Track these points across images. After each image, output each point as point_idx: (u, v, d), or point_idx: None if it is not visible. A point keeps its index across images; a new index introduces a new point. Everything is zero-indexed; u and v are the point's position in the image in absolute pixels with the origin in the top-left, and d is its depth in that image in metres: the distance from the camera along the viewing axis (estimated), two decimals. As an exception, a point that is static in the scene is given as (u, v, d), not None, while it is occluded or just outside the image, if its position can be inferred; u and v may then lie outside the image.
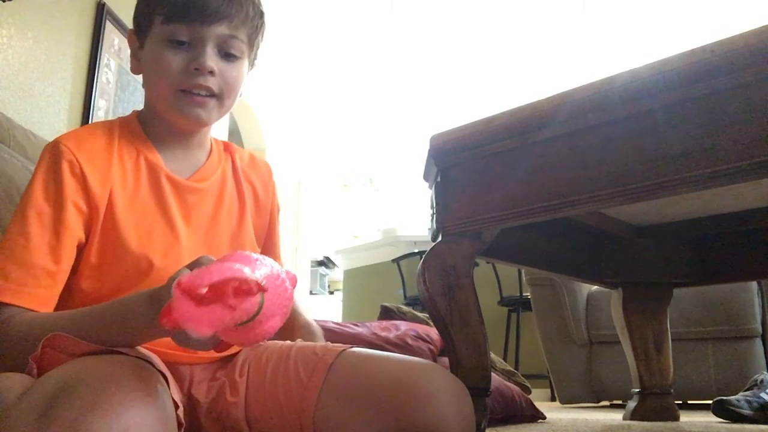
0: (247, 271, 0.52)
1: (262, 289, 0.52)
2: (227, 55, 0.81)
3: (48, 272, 0.72)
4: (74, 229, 0.75)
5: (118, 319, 0.66)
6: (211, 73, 0.79)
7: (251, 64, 0.90)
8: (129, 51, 0.88)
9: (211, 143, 0.93)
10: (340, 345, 0.83)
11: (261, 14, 0.86)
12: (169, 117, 0.84)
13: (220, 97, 0.82)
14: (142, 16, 0.82)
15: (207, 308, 0.50)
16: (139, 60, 0.84)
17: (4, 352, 0.69)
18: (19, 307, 0.70)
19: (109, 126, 0.84)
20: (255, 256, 0.58)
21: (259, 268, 0.55)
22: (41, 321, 0.69)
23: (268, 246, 1.00)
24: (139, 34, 0.84)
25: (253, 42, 0.86)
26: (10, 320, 0.69)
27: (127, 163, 0.82)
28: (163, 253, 0.80)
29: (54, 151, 0.76)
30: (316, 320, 1.73)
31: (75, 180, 0.75)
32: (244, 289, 0.51)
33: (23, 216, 0.73)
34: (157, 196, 0.82)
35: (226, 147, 0.96)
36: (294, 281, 0.62)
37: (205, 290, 0.49)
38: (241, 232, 0.91)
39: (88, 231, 0.77)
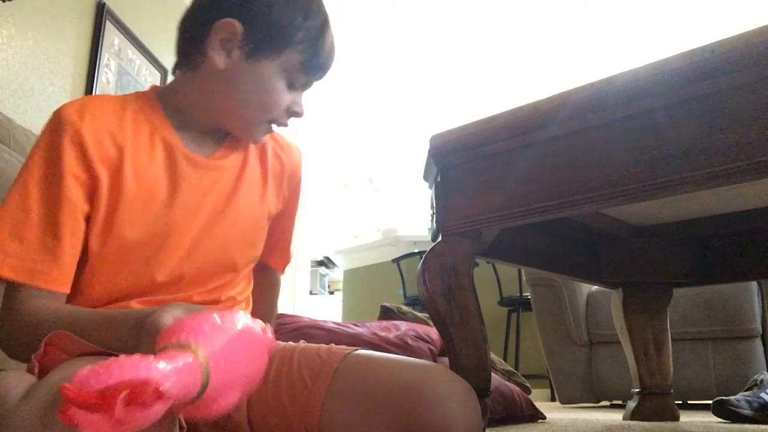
0: (158, 370, 0.44)
1: (160, 396, 0.43)
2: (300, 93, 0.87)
3: (46, 247, 0.71)
4: (75, 201, 0.73)
5: (108, 337, 0.64)
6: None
7: None
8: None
9: None
10: (344, 347, 0.82)
11: None
12: (228, 124, 0.85)
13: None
14: (275, 33, 0.78)
15: (96, 415, 0.42)
16: (230, 57, 0.79)
17: (11, 341, 0.69)
18: (22, 284, 0.69)
19: (121, 99, 0.82)
20: (217, 320, 0.52)
21: (207, 344, 0.49)
22: (47, 315, 0.68)
23: (280, 234, 0.98)
24: (250, 39, 0.78)
25: None
26: (20, 308, 0.69)
27: (141, 139, 0.79)
28: (168, 234, 0.78)
29: (55, 119, 0.75)
30: (316, 320, 1.73)
31: (74, 149, 0.73)
32: (140, 399, 0.42)
33: (23, 187, 0.72)
34: (171, 176, 0.80)
35: None
36: (270, 345, 0.57)
37: (94, 394, 0.41)
38: (261, 210, 0.90)
39: (92, 201, 0.75)
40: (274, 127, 0.88)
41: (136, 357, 0.44)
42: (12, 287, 0.71)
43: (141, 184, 0.78)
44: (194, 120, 0.84)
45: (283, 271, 1.03)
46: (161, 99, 0.84)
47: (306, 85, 0.86)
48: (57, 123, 0.74)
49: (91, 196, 0.75)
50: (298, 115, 0.85)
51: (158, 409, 0.44)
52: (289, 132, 0.93)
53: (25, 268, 0.70)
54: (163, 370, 0.44)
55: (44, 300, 0.70)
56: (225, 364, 0.50)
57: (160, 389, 0.43)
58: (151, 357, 0.45)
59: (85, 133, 0.74)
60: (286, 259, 1.02)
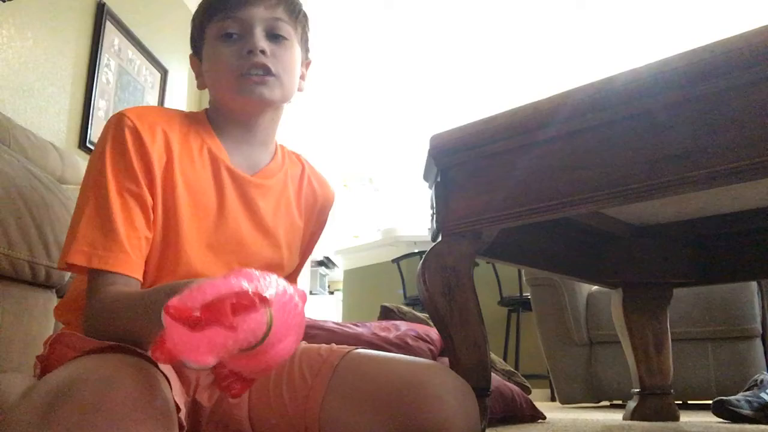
0: (246, 285, 0.46)
1: (265, 302, 0.45)
2: (275, 37, 0.85)
3: (128, 236, 0.74)
4: (144, 196, 0.77)
5: (150, 308, 0.67)
6: (263, 52, 0.83)
7: (305, 57, 0.93)
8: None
9: (277, 147, 0.95)
10: (345, 346, 0.83)
11: None
12: (234, 104, 0.86)
13: (279, 77, 0.84)
14: (195, 32, 0.89)
15: (204, 333, 0.43)
16: (203, 75, 0.89)
17: (95, 324, 0.71)
18: (111, 273, 0.72)
19: (177, 111, 0.88)
20: (258, 273, 0.52)
21: (262, 283, 0.49)
22: (118, 297, 0.71)
23: (301, 254, 1.01)
24: (197, 52, 0.90)
25: (295, 24, 0.89)
26: (99, 293, 0.71)
27: (191, 150, 0.84)
28: (210, 238, 0.82)
29: (117, 122, 0.79)
30: (316, 320, 1.73)
31: (135, 148, 0.77)
32: (245, 304, 0.44)
33: (97, 186, 0.75)
34: (217, 187, 0.85)
35: (297, 156, 1.01)
36: (304, 298, 0.56)
37: (197, 312, 0.43)
38: (292, 235, 0.94)
39: (153, 197, 0.79)
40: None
41: (219, 280, 0.46)
42: (94, 275, 0.73)
43: (190, 191, 0.82)
44: (226, 125, 0.89)
45: None
46: (209, 117, 0.90)
47: (246, 28, 0.84)
48: (119, 125, 0.78)
49: (152, 192, 0.78)
50: (252, 52, 0.82)
51: (264, 319, 0.46)
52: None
53: (113, 258, 0.72)
54: (252, 282, 0.46)
55: (119, 286, 0.72)
56: (278, 306, 0.49)
57: (262, 294, 0.45)
58: (234, 278, 0.47)
59: (143, 134, 0.78)
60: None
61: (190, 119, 0.87)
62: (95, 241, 0.72)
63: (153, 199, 0.78)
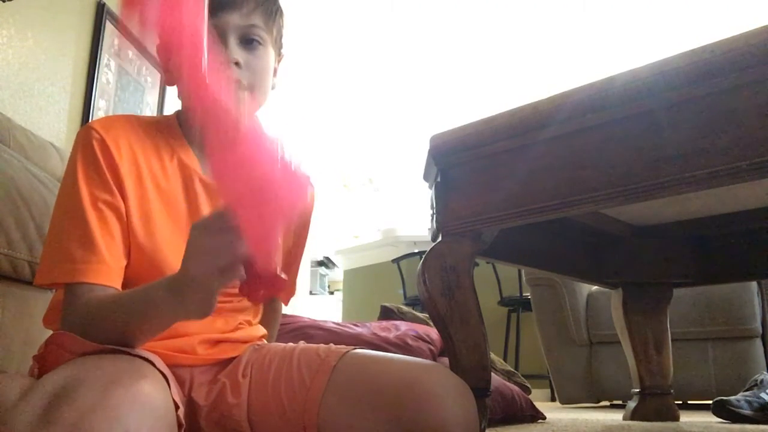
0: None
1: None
2: (250, 43, 0.82)
3: (107, 246, 0.74)
4: (119, 204, 0.76)
5: (144, 306, 0.67)
6: (237, 64, 0.80)
7: (278, 54, 0.90)
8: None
9: None
10: (344, 347, 0.83)
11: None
12: None
13: (251, 89, 0.82)
14: None
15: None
16: (171, 71, 0.83)
17: (75, 329, 0.70)
18: (90, 284, 0.71)
19: (145, 119, 0.86)
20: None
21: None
22: (96, 302, 0.71)
23: (287, 269, 0.99)
24: None
25: (271, 27, 0.85)
26: (80, 299, 0.71)
27: (162, 160, 0.82)
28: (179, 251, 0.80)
29: (85, 135, 0.78)
30: (316, 320, 1.73)
31: (104, 159, 0.77)
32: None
33: (72, 201, 0.75)
34: (188, 198, 0.83)
35: None
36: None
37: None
38: None
39: (126, 207, 0.78)
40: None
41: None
42: (72, 287, 0.73)
43: (165, 201, 0.80)
44: (196, 132, 0.85)
45: (287, 303, 1.04)
46: (180, 122, 0.87)
47: (219, 35, 0.80)
48: (87, 138, 0.78)
49: (124, 200, 0.78)
50: (225, 62, 0.79)
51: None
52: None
53: (93, 270, 0.72)
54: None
55: (97, 293, 0.72)
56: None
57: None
58: None
59: (111, 144, 0.77)
60: (291, 292, 1.03)
61: (159, 127, 0.85)
62: (74, 256, 0.72)
63: (126, 208, 0.77)
